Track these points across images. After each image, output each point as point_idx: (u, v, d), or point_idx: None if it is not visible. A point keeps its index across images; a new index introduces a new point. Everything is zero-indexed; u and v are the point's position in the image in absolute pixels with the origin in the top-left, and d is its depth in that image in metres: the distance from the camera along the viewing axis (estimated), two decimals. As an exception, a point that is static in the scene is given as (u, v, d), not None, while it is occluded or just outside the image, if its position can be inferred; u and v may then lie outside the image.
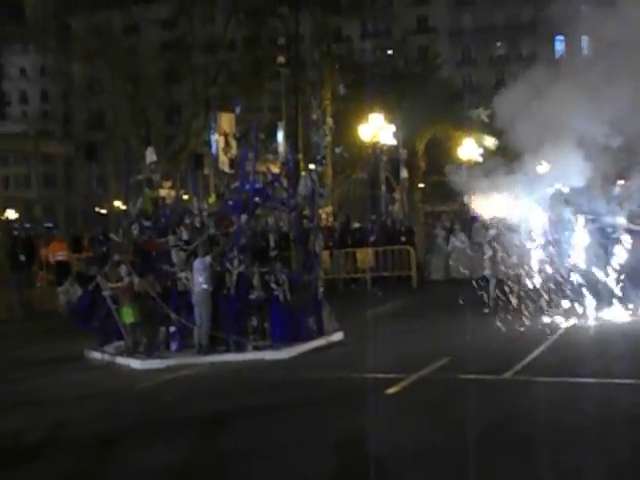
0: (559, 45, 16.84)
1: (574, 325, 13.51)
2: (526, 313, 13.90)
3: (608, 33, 12.60)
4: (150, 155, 14.36)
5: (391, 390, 9.34)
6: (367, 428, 7.79)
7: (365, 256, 22.47)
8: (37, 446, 7.80)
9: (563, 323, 13.60)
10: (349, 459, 7.12)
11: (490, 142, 33.63)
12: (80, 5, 37.27)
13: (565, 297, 14.00)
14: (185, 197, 15.10)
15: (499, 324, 13.45)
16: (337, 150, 33.49)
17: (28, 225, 46.66)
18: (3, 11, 28.38)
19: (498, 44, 64.80)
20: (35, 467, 7.23)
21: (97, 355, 12.34)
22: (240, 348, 12.11)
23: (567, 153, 13.06)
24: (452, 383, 9.68)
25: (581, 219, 14.29)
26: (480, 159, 33.44)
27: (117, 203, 41.56)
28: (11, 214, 46.81)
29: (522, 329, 13.15)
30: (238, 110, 18.35)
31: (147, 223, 13.23)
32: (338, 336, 13.12)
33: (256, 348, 12.17)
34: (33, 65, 63.76)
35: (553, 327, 13.29)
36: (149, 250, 12.86)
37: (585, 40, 15.68)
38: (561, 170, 13.60)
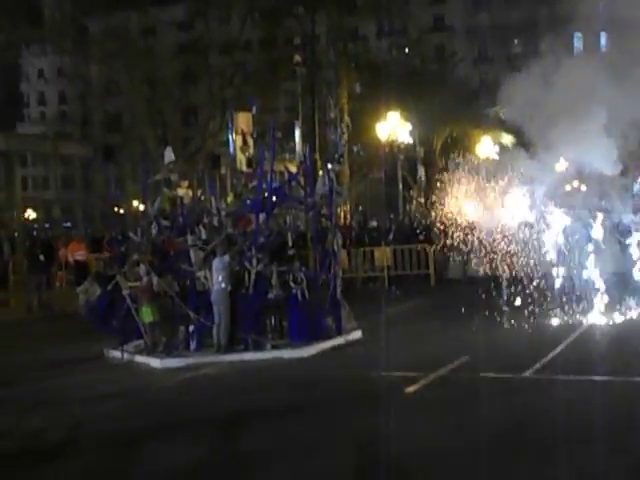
0: (577, 42, 16.72)
1: (593, 323, 13.43)
2: (544, 311, 13.84)
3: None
4: (168, 155, 14.40)
5: (411, 389, 9.32)
6: (387, 427, 7.78)
7: (383, 255, 22.44)
8: (58, 445, 7.84)
9: (582, 321, 13.53)
10: (369, 459, 7.11)
11: (507, 140, 33.48)
12: (97, 7, 37.45)
13: (584, 295, 13.92)
14: (201, 197, 15.14)
15: (518, 322, 13.40)
16: (354, 149, 33.48)
17: (47, 225, 46.98)
18: (22, 13, 28.57)
19: (515, 42, 64.46)
20: (56, 466, 7.27)
21: (117, 354, 12.39)
22: (259, 347, 12.13)
23: (589, 144, 12.93)
24: (472, 382, 9.64)
25: (599, 216, 14.20)
26: (497, 157, 33.31)
27: (135, 203, 41.85)
28: (30, 215, 47.17)
29: (541, 327, 13.10)
30: (254, 110, 18.39)
31: (165, 223, 13.28)
32: (356, 335, 13.11)
33: (274, 347, 12.19)
34: (51, 67, 64.16)
35: (572, 325, 13.23)
36: (168, 250, 12.90)
37: (603, 37, 15.58)
38: (581, 162, 13.49)
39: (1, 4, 26.82)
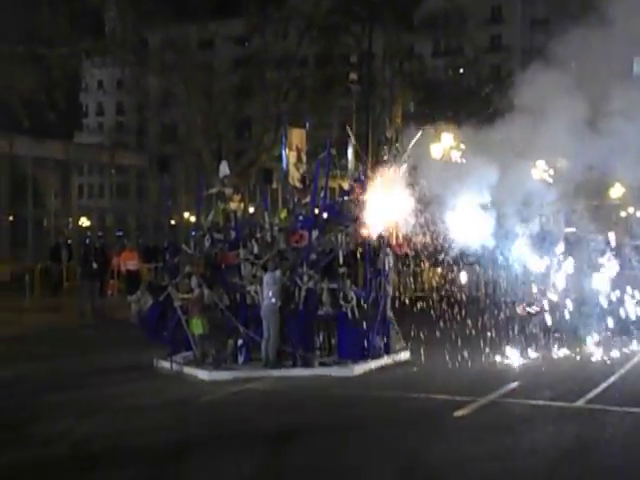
0: (637, 67, 16.45)
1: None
2: (596, 341, 13.61)
3: None
4: (224, 169, 14.53)
5: (459, 413, 9.21)
6: (435, 451, 7.70)
7: (433, 275, 22.28)
8: (106, 453, 7.91)
9: (636, 353, 13.25)
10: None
11: (562, 163, 33.02)
12: (157, 20, 38.09)
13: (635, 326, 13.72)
14: (251, 210, 15.21)
15: (569, 350, 13.19)
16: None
17: (100, 234, 47.74)
18: (85, 26, 29.24)
19: (572, 64, 63.78)
20: (104, 474, 7.33)
21: (166, 365, 12.49)
22: (307, 363, 12.12)
23: None
24: (522, 409, 9.50)
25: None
26: (551, 180, 32.86)
27: (186, 215, 42.31)
28: (84, 222, 48.01)
29: (593, 357, 12.86)
30: (308, 126, 18.46)
31: (218, 236, 13.38)
32: (405, 355, 13.03)
33: (322, 364, 12.17)
34: (110, 78, 65.42)
35: (625, 356, 12.96)
36: (220, 263, 12.99)
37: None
38: None
39: (65, 16, 27.47)
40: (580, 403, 9.63)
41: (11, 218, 41.78)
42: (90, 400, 10.37)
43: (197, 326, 12.45)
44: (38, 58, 25.77)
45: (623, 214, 23.18)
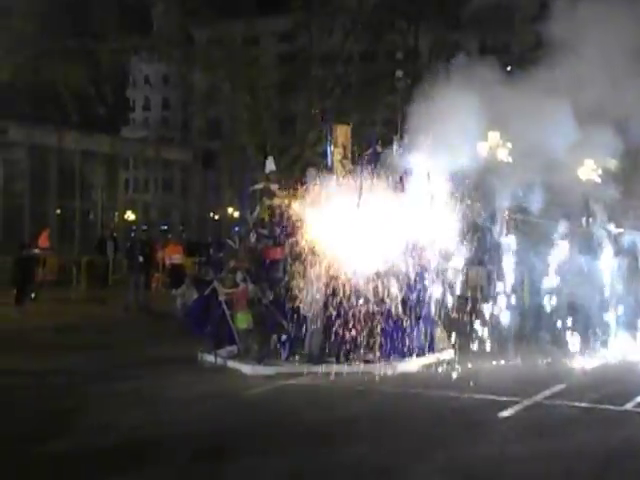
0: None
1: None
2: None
3: None
4: (269, 165, 14.57)
5: (505, 413, 9.12)
6: (478, 452, 7.64)
7: (476, 274, 22.08)
8: (150, 445, 7.98)
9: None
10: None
11: (611, 163, 32.49)
12: (204, 16, 38.37)
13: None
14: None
15: (617, 353, 12.99)
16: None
17: (144, 228, 48.30)
18: (134, 22, 29.62)
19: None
20: (149, 466, 7.41)
21: (210, 358, 12.58)
22: (350, 360, 12.12)
23: None
24: (569, 411, 9.37)
25: None
26: (599, 180, 32.38)
27: (230, 210, 42.59)
28: (129, 216, 48.63)
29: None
30: (352, 123, 18.38)
31: (263, 231, 13.43)
32: (449, 354, 12.95)
33: (366, 361, 12.15)
34: (156, 73, 66.16)
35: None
36: (265, 258, 13.04)
37: None
38: None
39: (114, 12, 27.87)
40: (629, 407, 9.47)
41: (59, 211, 42.51)
42: (135, 391, 10.50)
43: (241, 321, 12.54)
44: (87, 53, 26.17)
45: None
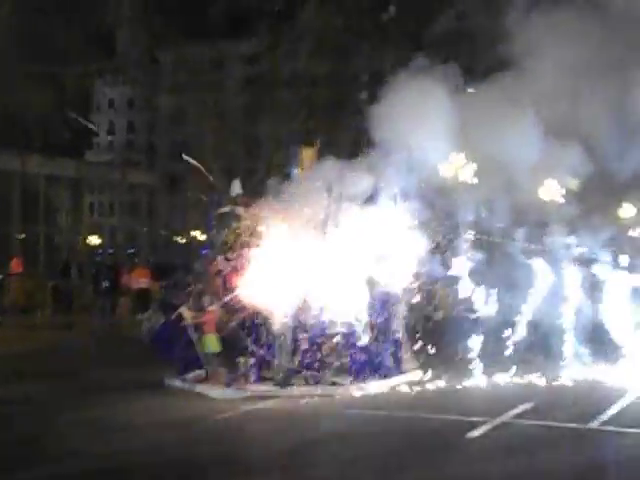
0: None
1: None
2: (608, 362, 13.53)
3: None
4: (236, 187, 14.55)
5: (474, 433, 9.15)
6: (449, 472, 7.66)
7: (444, 294, 22.18)
8: (117, 471, 7.88)
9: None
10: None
11: (573, 184, 32.92)
12: (169, 40, 38.44)
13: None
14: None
15: (582, 371, 13.12)
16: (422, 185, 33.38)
17: (111, 251, 47.91)
18: (98, 46, 29.58)
19: None
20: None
21: (177, 383, 12.48)
22: (318, 382, 12.09)
23: None
24: (536, 430, 9.44)
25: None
26: (562, 200, 32.78)
27: (195, 233, 42.39)
28: (94, 240, 48.18)
29: (606, 378, 12.77)
30: (318, 145, 18.47)
31: (231, 255, 13.38)
32: (417, 375, 12.98)
33: (334, 383, 12.13)
34: (121, 97, 65.88)
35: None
36: (232, 282, 12.99)
37: None
38: None
39: (78, 36, 27.79)
40: (594, 425, 9.55)
41: (23, 235, 42.01)
42: (102, 418, 10.34)
43: (209, 344, 12.46)
44: (52, 77, 26.04)
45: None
